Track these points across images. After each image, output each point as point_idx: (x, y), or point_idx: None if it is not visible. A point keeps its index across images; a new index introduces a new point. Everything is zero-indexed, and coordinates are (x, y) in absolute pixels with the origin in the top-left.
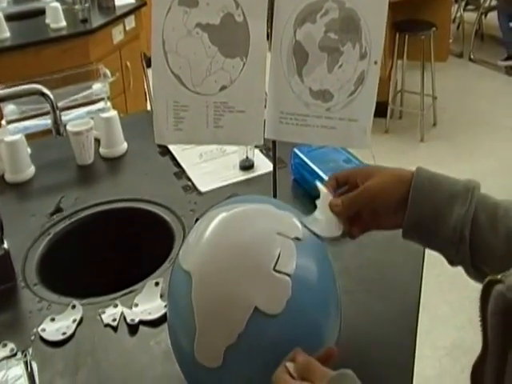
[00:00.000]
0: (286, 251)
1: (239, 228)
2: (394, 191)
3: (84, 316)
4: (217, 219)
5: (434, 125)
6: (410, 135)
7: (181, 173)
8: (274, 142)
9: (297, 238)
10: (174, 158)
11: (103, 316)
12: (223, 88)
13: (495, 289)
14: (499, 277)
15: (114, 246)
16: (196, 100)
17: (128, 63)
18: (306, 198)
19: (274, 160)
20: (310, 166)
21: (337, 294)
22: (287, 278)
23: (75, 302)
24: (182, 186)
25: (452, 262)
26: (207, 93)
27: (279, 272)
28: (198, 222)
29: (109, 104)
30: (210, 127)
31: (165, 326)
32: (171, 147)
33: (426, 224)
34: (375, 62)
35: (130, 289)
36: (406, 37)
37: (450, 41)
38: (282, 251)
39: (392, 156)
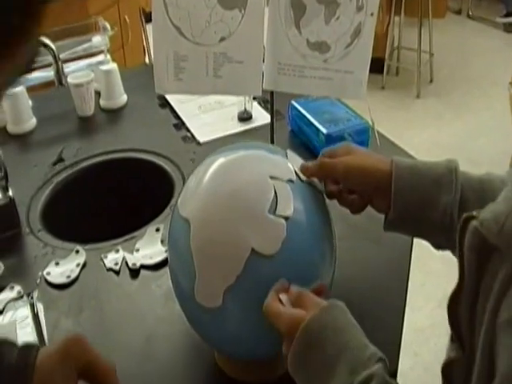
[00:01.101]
0: (281, 195)
1: (234, 174)
2: (370, 174)
3: (87, 260)
4: (213, 166)
5: (431, 81)
6: (406, 91)
7: (180, 124)
8: (271, 93)
9: (290, 181)
10: (173, 110)
11: (105, 261)
12: (222, 39)
13: (470, 224)
14: (474, 213)
15: (116, 195)
16: (196, 50)
17: (126, 17)
18: (302, 149)
19: (271, 110)
20: (307, 118)
21: (331, 234)
22: (282, 220)
23: (78, 247)
24: (181, 137)
25: (439, 247)
26: (207, 43)
27: (277, 215)
28: (196, 169)
29: (108, 57)
30: (209, 77)
31: (165, 270)
32: (170, 100)
33: (413, 212)
34: (371, 14)
35: (132, 235)
36: None
37: None
38: (278, 195)
39: (388, 112)
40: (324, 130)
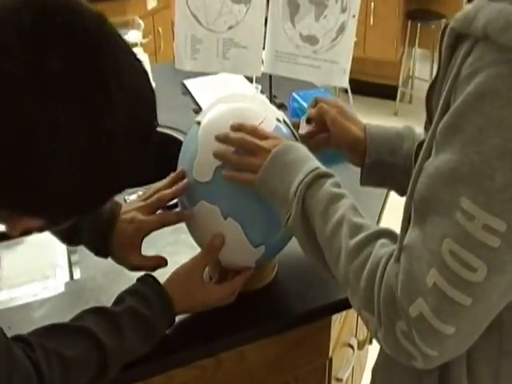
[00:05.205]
0: (267, 121)
1: (239, 102)
2: (349, 130)
3: None
4: (223, 99)
5: None
6: (418, 119)
7: (198, 109)
8: (270, 77)
9: (277, 120)
10: (193, 98)
11: (127, 199)
12: (231, 27)
13: (448, 27)
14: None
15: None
16: (209, 35)
17: (160, 29)
18: None
19: (270, 92)
20: (303, 106)
21: None
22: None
23: None
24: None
25: (403, 194)
26: (218, 30)
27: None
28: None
29: (141, 49)
30: (219, 58)
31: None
32: (191, 89)
33: (384, 159)
34: (353, 16)
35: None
36: (419, 25)
37: None
38: (264, 120)
39: None
40: None
